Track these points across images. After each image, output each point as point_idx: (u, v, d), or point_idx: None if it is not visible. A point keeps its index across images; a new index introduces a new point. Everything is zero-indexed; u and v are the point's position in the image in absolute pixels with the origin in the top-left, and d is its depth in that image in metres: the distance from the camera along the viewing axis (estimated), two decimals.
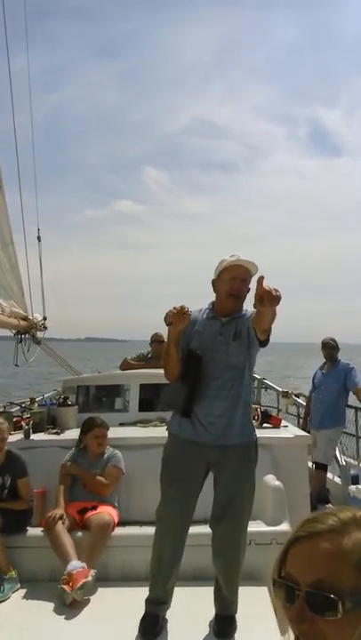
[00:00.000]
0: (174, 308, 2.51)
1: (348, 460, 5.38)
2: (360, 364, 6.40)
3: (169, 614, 2.66)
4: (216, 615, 2.64)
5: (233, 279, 2.58)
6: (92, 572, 2.93)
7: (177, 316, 2.49)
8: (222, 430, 2.57)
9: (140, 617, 2.58)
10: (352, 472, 5.18)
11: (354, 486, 4.38)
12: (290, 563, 0.70)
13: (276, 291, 2.17)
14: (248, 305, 2.55)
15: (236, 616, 2.64)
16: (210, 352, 2.59)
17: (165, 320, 2.62)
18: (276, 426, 4.15)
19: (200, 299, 2.82)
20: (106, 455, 3.61)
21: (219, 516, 2.60)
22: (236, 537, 2.59)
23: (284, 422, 4.35)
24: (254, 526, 3.10)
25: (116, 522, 3.32)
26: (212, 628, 2.61)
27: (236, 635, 2.57)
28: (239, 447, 2.59)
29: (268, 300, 2.17)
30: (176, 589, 2.67)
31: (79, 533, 3.23)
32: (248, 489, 2.60)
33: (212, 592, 2.68)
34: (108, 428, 3.69)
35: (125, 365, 5.62)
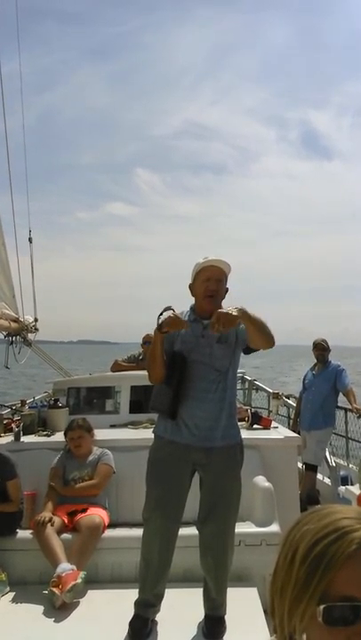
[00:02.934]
0: (171, 315, 2.51)
1: (338, 460, 5.41)
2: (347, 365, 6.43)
3: (158, 615, 2.66)
4: (205, 616, 2.65)
5: (208, 280, 2.61)
6: (82, 574, 2.92)
7: (177, 323, 2.50)
8: (207, 432, 2.58)
9: (130, 619, 2.58)
10: (342, 473, 5.21)
11: (343, 487, 4.39)
12: (346, 582, 0.66)
13: (223, 312, 2.32)
14: (229, 304, 2.55)
15: (226, 617, 2.64)
16: (193, 354, 2.60)
17: (161, 326, 2.51)
18: (267, 427, 4.17)
19: (192, 301, 2.82)
20: (96, 455, 3.62)
21: (205, 517, 2.61)
22: (222, 537, 2.59)
23: (274, 423, 4.36)
24: (244, 527, 3.12)
25: (106, 524, 3.32)
26: (202, 629, 2.61)
27: (225, 636, 2.58)
28: (224, 449, 2.60)
29: (221, 323, 2.31)
30: (166, 590, 2.68)
31: (69, 535, 3.23)
32: (234, 489, 2.61)
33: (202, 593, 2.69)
34: (89, 430, 3.69)
35: (116, 367, 5.59)
